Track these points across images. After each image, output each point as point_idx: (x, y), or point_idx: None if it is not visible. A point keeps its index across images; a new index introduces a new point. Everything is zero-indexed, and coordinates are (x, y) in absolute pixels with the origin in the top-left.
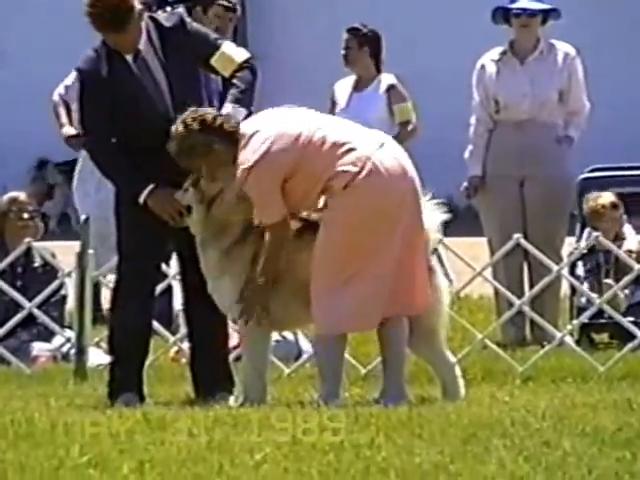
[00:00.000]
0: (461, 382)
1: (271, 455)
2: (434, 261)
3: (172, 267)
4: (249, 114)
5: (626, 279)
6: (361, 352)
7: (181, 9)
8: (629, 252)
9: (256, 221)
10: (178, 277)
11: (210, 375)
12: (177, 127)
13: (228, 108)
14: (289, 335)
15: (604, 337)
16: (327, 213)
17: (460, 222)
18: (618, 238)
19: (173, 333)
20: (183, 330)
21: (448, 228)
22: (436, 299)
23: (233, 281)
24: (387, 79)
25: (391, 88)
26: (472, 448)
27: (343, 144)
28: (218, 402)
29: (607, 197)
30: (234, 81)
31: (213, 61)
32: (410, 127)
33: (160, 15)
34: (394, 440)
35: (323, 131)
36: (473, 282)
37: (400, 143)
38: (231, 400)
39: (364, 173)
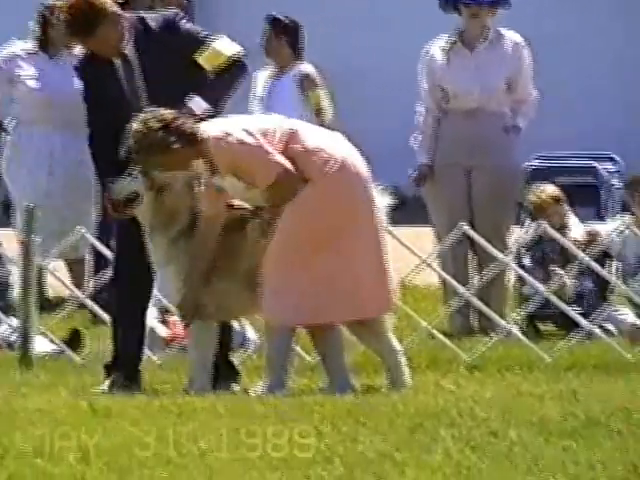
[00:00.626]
0: (407, 370)
1: (216, 443)
2: None
3: None
4: (216, 112)
5: (572, 269)
6: (308, 342)
7: (174, 9)
8: (575, 242)
9: (262, 185)
10: None
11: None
12: (136, 125)
13: (192, 99)
14: (235, 324)
15: (550, 327)
16: (295, 200)
17: (407, 211)
18: (563, 228)
19: None
20: None
21: (395, 217)
22: None
23: (179, 270)
24: (303, 68)
25: (304, 77)
26: (418, 437)
27: (317, 136)
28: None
29: (549, 191)
30: (212, 77)
31: (198, 56)
32: (323, 115)
33: (149, 16)
34: (339, 428)
35: (294, 126)
36: (420, 271)
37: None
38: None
39: (339, 165)
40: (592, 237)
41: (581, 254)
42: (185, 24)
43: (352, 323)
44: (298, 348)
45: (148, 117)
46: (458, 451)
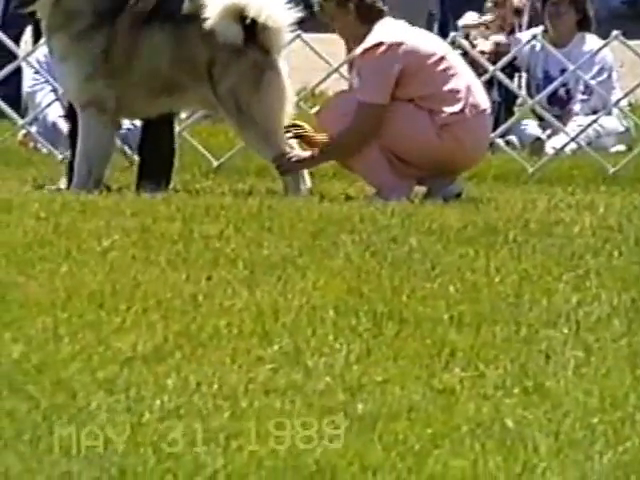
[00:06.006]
0: (303, 178)
1: (119, 242)
2: (282, 60)
3: (22, 48)
4: None
5: (480, 80)
6: (212, 144)
7: None
8: (482, 53)
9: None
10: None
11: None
12: None
13: None
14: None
15: None
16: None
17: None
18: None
19: (22, 116)
20: (32, 113)
21: (304, 24)
22: (275, 98)
23: (79, 65)
24: None
25: None
26: (320, 242)
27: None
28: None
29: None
30: None
31: None
32: None
33: None
34: (243, 232)
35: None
36: (329, 79)
37: None
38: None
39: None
40: (499, 48)
41: (490, 66)
42: None
43: None
44: (202, 149)
45: None
46: (359, 256)
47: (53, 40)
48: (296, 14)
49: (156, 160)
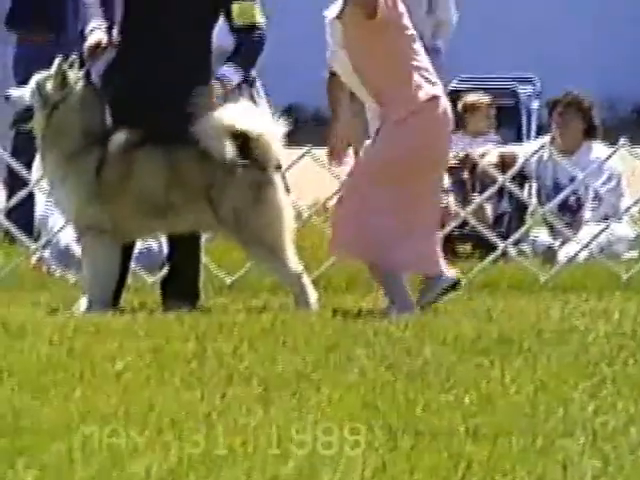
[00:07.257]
0: (311, 291)
1: (133, 363)
2: (277, 175)
3: (34, 173)
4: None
5: (490, 191)
6: (226, 261)
7: None
8: (489, 164)
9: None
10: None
11: (179, 293)
12: None
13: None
14: (153, 245)
15: (467, 247)
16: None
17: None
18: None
19: (35, 240)
20: (44, 237)
21: (318, 136)
22: (276, 214)
23: (75, 186)
24: None
25: None
26: (335, 357)
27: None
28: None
29: (483, 96)
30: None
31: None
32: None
33: None
34: (257, 349)
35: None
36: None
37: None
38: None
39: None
40: (506, 160)
41: (499, 177)
42: None
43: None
44: (215, 267)
45: None
46: (373, 369)
47: (47, 159)
48: (284, 126)
49: (183, 277)
